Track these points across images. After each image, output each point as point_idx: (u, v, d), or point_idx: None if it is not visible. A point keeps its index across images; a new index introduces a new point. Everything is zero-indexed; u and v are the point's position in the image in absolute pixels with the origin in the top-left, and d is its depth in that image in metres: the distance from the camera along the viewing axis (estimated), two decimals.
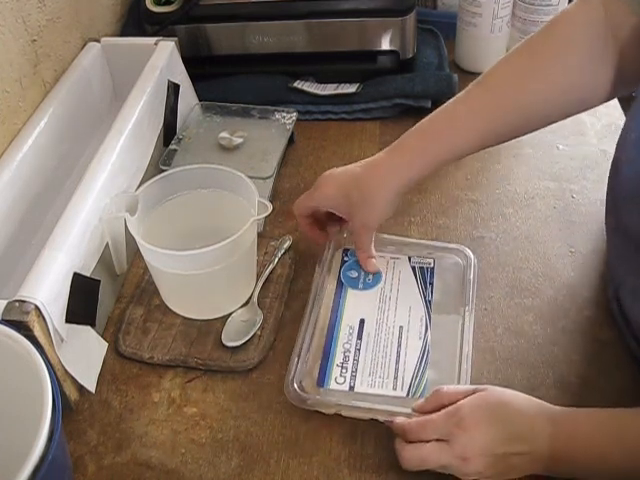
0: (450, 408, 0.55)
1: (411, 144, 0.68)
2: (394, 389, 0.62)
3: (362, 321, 0.68)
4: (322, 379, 0.63)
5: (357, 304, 0.70)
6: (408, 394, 0.62)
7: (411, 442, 0.56)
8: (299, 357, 0.64)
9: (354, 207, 0.69)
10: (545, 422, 0.54)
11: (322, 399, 0.62)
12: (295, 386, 0.62)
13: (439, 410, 0.56)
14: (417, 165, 0.67)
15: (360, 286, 0.72)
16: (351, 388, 0.63)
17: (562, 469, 0.54)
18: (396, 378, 0.63)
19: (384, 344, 0.66)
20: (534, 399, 0.57)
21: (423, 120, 0.69)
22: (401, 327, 0.68)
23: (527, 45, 0.67)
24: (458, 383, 0.62)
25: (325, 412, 0.62)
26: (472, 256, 0.73)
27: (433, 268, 0.73)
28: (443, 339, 0.67)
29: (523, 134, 0.70)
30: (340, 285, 0.72)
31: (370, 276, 0.73)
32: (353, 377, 0.63)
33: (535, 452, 0.54)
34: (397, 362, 0.65)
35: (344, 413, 0.62)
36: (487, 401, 0.55)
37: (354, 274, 0.73)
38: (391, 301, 0.70)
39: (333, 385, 0.63)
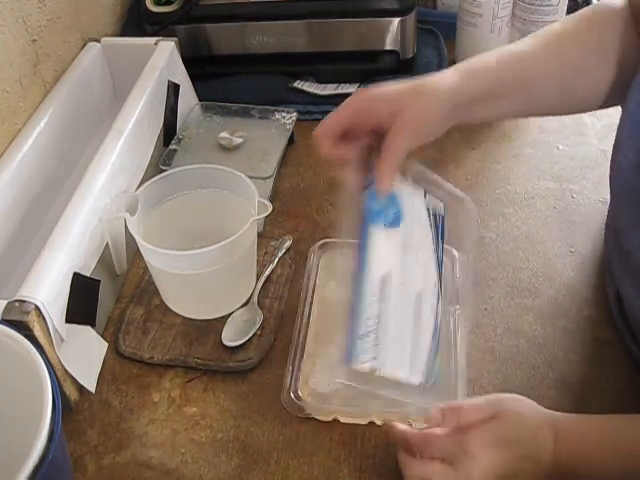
0: (457, 431, 0.54)
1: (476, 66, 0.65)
2: (411, 374, 0.58)
3: (385, 278, 0.61)
4: (348, 355, 0.57)
5: (381, 249, 0.62)
6: (423, 380, 0.59)
7: (413, 454, 0.56)
8: (293, 366, 0.64)
9: (404, 108, 0.58)
10: (549, 433, 0.54)
11: (319, 406, 0.62)
12: (292, 395, 0.62)
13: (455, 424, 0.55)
14: (473, 77, 0.63)
15: (384, 221, 0.63)
16: (373, 370, 0.57)
17: (565, 477, 0.54)
18: (412, 362, 0.59)
19: (402, 319, 0.61)
20: (538, 409, 0.56)
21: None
22: (418, 295, 0.62)
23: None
24: (454, 384, 0.62)
25: (322, 419, 0.62)
26: (457, 254, 0.73)
27: (444, 217, 0.67)
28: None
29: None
30: (364, 219, 0.62)
31: (391, 213, 0.63)
32: (375, 358, 0.57)
33: (540, 465, 0.53)
34: (414, 344, 0.60)
35: (342, 419, 0.62)
36: (494, 426, 0.54)
37: (375, 205, 0.63)
38: (412, 255, 0.64)
39: (357, 364, 0.57)
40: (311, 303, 0.71)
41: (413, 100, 0.59)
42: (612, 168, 0.64)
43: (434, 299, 0.63)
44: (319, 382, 0.64)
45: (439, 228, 0.66)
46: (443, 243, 0.66)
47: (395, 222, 0.63)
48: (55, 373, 0.58)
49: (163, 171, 0.74)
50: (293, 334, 0.67)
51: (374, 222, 0.63)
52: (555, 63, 0.64)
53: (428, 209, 0.67)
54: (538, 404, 0.57)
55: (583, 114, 0.96)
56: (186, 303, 0.72)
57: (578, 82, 0.65)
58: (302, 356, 0.66)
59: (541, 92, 0.65)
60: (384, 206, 0.63)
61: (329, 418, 0.62)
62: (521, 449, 0.54)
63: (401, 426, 0.57)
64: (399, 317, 0.61)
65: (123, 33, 1.05)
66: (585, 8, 0.68)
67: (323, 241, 0.76)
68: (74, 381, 0.63)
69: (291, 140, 0.92)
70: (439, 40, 1.09)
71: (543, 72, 0.64)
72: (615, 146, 0.63)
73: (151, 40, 0.92)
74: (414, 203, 0.66)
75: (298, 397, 0.62)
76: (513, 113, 0.68)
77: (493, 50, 0.66)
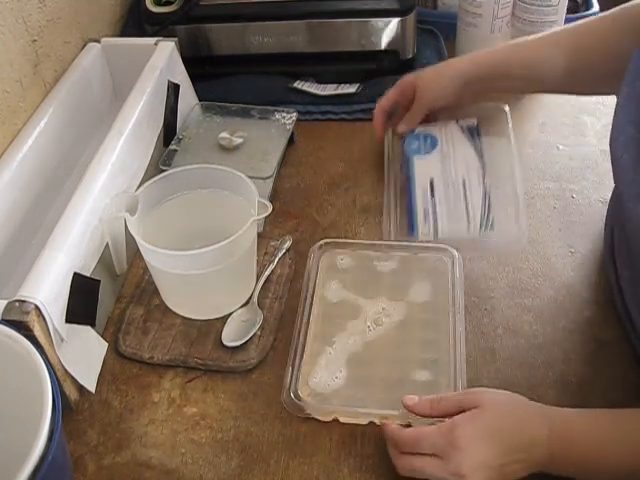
0: (444, 425, 0.54)
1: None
2: (467, 231, 0.75)
3: (432, 181, 0.80)
4: (411, 228, 0.76)
5: (424, 167, 0.81)
6: (480, 228, 0.75)
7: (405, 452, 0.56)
8: (293, 366, 0.64)
9: (426, 81, 0.82)
10: (542, 427, 0.54)
11: (319, 407, 0.62)
12: (292, 395, 0.62)
13: (428, 416, 0.57)
14: (477, 63, 0.80)
15: (422, 152, 0.83)
16: (435, 233, 0.75)
17: (560, 470, 0.54)
18: (468, 219, 0.75)
19: (453, 195, 0.78)
20: (529, 403, 0.57)
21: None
22: (464, 179, 0.79)
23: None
24: (454, 384, 0.62)
25: (322, 419, 0.62)
26: (457, 254, 0.74)
27: (478, 126, 0.85)
28: (438, 339, 0.67)
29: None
30: (405, 158, 0.83)
31: (428, 142, 0.84)
32: (435, 225, 0.75)
33: (533, 458, 0.54)
34: (467, 207, 0.76)
35: (342, 419, 0.62)
36: (481, 418, 0.54)
37: (415, 144, 0.84)
38: (451, 159, 0.81)
39: (421, 234, 0.75)
40: (311, 303, 0.71)
41: (428, 75, 0.82)
42: (612, 159, 0.64)
43: (480, 174, 0.79)
44: (319, 382, 0.64)
45: (474, 133, 0.84)
46: (480, 141, 0.83)
47: (432, 146, 0.83)
48: (55, 373, 0.58)
49: (163, 171, 0.74)
50: (293, 334, 0.68)
51: (414, 155, 0.83)
52: (560, 46, 0.75)
53: (461, 127, 0.85)
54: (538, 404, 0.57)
55: (583, 114, 0.96)
56: (186, 303, 0.72)
57: (592, 59, 0.72)
58: (302, 356, 0.66)
59: (548, 72, 0.76)
60: (421, 141, 0.84)
61: (329, 418, 0.62)
62: (512, 440, 0.54)
63: (392, 426, 0.57)
64: (450, 197, 0.78)
65: (123, 33, 1.05)
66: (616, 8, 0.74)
67: (323, 241, 0.77)
68: (74, 381, 0.63)
69: (291, 140, 0.92)
70: (439, 40, 1.09)
71: (547, 53, 0.76)
72: (613, 127, 0.63)
73: (151, 40, 0.92)
74: (446, 128, 0.85)
75: (298, 397, 0.62)
76: (525, 89, 0.83)
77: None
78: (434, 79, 0.81)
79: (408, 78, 0.83)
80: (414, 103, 0.82)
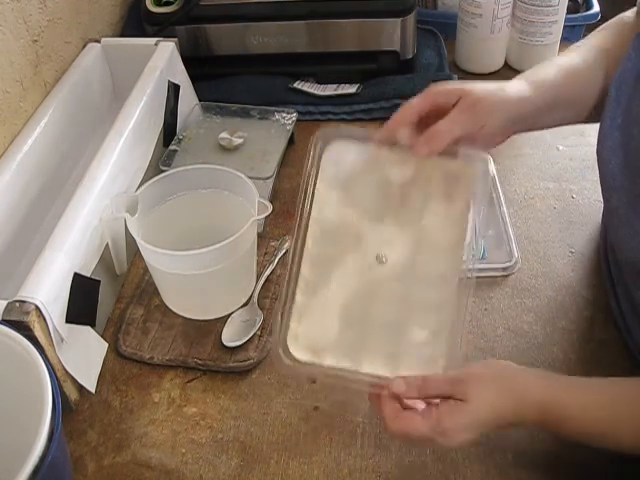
0: (432, 419, 0.52)
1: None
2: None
3: None
4: None
5: None
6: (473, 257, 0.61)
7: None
8: (282, 316, 0.56)
9: (486, 99, 0.61)
10: (533, 405, 0.53)
11: (306, 366, 0.55)
12: (280, 351, 0.55)
13: (417, 396, 0.53)
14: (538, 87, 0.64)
15: None
16: None
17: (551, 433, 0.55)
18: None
19: None
20: (518, 378, 0.55)
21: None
22: None
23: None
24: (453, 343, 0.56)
25: (308, 379, 0.59)
26: (490, 159, 0.61)
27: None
28: (445, 284, 0.57)
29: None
30: None
31: None
32: None
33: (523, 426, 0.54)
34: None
35: (326, 380, 0.57)
36: (467, 413, 0.52)
37: None
38: None
39: None
40: (306, 226, 0.59)
41: (485, 93, 0.60)
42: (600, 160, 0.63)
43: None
44: (310, 335, 0.56)
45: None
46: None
47: None
48: (55, 373, 0.58)
49: (163, 171, 0.74)
50: (284, 274, 0.58)
51: None
52: (601, 71, 0.67)
53: None
54: None
55: None
56: (186, 303, 0.72)
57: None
58: (293, 303, 0.57)
59: (590, 100, 0.67)
60: None
61: (314, 379, 0.58)
62: (501, 422, 0.53)
63: (388, 404, 0.53)
64: None
65: (123, 34, 1.05)
66: (611, 21, 0.71)
67: (326, 128, 0.61)
68: (74, 381, 0.63)
69: (291, 140, 0.92)
70: (439, 40, 1.09)
71: (593, 81, 0.66)
72: (600, 132, 0.63)
73: (151, 40, 0.92)
74: None
75: (287, 352, 0.55)
76: (565, 121, 0.69)
77: (550, 61, 0.68)
78: (496, 99, 0.61)
79: (442, 88, 0.61)
80: (460, 117, 0.59)
